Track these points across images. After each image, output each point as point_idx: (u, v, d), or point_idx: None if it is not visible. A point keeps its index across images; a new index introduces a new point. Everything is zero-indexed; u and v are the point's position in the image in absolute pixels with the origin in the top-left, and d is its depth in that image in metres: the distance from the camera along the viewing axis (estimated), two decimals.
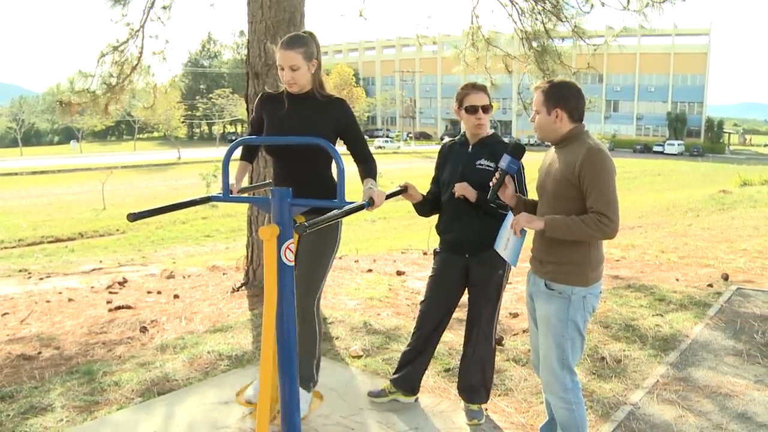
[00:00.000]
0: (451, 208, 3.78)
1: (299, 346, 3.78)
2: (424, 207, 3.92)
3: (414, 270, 8.35)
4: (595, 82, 76.34)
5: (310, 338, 3.74)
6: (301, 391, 3.73)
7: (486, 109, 3.67)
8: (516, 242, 3.25)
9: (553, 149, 3.19)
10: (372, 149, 3.70)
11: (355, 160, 3.61)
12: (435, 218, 4.06)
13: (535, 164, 3.41)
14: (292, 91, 3.48)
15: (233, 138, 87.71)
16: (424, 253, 9.95)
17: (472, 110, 3.68)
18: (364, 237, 18.07)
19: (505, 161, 3.27)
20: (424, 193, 3.90)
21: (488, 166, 3.63)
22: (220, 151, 62.28)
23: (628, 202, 21.95)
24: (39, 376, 4.65)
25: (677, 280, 7.39)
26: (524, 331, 5.47)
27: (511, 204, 3.38)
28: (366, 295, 6.77)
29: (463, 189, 3.62)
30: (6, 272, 13.52)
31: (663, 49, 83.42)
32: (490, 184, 3.34)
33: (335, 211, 2.68)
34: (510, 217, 3.28)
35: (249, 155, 3.84)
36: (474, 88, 3.70)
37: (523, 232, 3.18)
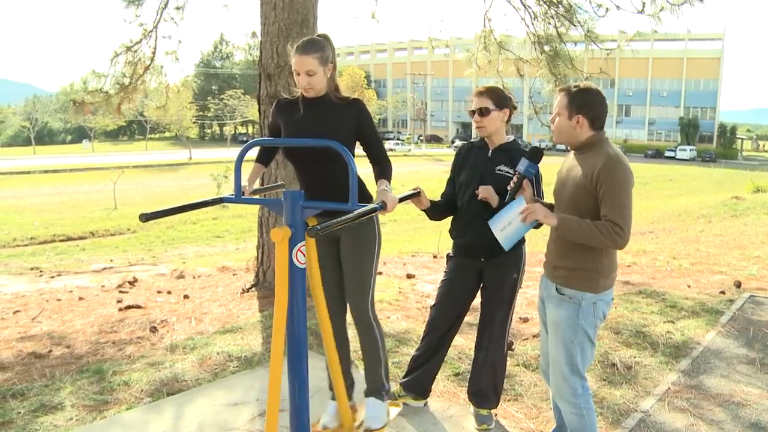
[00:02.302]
0: (467, 211, 3.76)
1: (363, 355, 3.75)
2: (436, 210, 3.90)
3: (424, 273, 8.33)
4: (607, 87, 75.47)
5: (372, 344, 3.68)
6: (376, 402, 3.71)
7: (483, 112, 3.64)
8: (518, 228, 3.25)
9: (572, 155, 3.17)
10: None
11: (370, 161, 3.59)
12: (445, 222, 4.04)
13: (552, 168, 3.40)
14: (308, 95, 3.46)
15: (244, 139, 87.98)
16: (434, 257, 9.93)
17: (471, 113, 3.71)
18: None
19: (522, 165, 3.29)
20: (433, 199, 3.88)
21: (507, 172, 3.61)
22: (231, 152, 62.50)
23: (639, 208, 21.84)
24: (50, 374, 4.67)
25: (689, 286, 7.34)
26: (534, 336, 5.44)
27: None
28: (376, 298, 6.72)
29: (487, 192, 3.59)
30: (18, 270, 13.60)
31: (676, 54, 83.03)
32: (508, 187, 3.35)
33: (347, 215, 2.66)
34: (520, 203, 3.27)
35: (264, 158, 3.82)
36: (477, 93, 3.70)
37: (532, 223, 3.17)
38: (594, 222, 2.90)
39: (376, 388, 3.74)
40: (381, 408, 3.70)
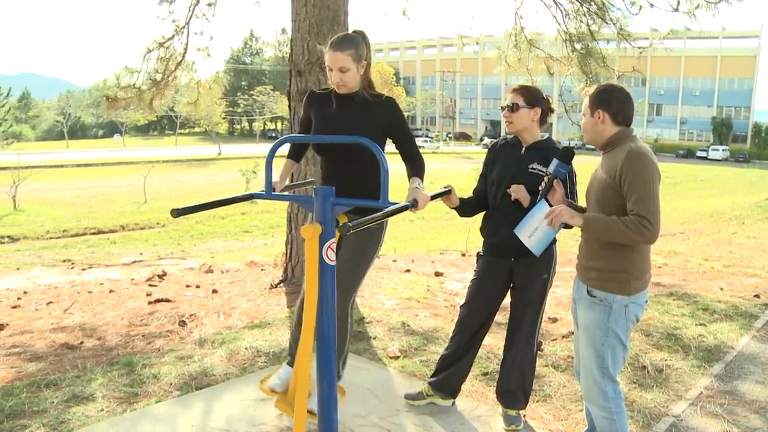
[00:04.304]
0: (499, 210, 3.73)
1: None
2: (466, 207, 3.87)
3: (452, 271, 8.30)
4: (638, 85, 74.75)
5: (341, 335, 3.72)
6: None
7: (513, 108, 3.64)
8: (546, 233, 3.22)
9: (601, 155, 3.15)
10: None
11: (403, 159, 3.58)
12: (473, 220, 4.01)
13: (586, 168, 3.37)
14: (340, 92, 3.46)
15: (273, 135, 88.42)
16: (463, 255, 9.89)
17: (502, 109, 3.71)
18: (402, 236, 18.04)
19: (553, 165, 3.29)
20: (462, 197, 3.85)
21: (540, 170, 3.57)
22: (260, 148, 62.93)
23: (670, 208, 21.55)
24: (81, 365, 4.72)
25: (721, 289, 7.21)
26: (564, 337, 5.39)
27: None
28: (404, 295, 6.74)
29: (519, 192, 3.57)
30: (51, 262, 13.85)
31: (710, 52, 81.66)
32: (540, 188, 3.33)
33: (378, 212, 2.65)
34: (544, 206, 3.24)
35: (296, 154, 3.82)
36: (511, 89, 3.72)
37: (559, 226, 3.14)
38: (621, 218, 2.86)
39: None
40: None
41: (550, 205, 3.25)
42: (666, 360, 4.93)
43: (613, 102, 3.01)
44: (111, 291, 7.54)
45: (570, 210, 3.05)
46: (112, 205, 29.35)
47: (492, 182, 3.80)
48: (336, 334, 3.68)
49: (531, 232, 3.33)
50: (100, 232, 22.73)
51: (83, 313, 6.42)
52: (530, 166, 3.63)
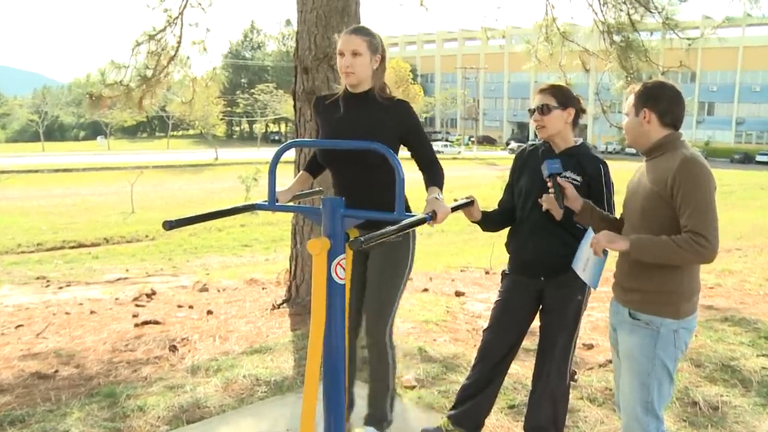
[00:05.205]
0: (527, 223, 3.74)
1: (370, 379, 3.79)
2: (489, 221, 3.88)
3: (475, 291, 8.30)
4: (687, 82, 73.74)
5: (383, 370, 3.73)
6: None
7: (544, 110, 3.63)
8: (597, 263, 3.22)
9: (644, 163, 3.15)
10: None
11: (420, 168, 3.61)
12: (498, 234, 4.02)
13: (623, 175, 3.37)
14: (349, 82, 3.48)
15: (276, 138, 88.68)
16: (487, 272, 9.88)
17: (531, 112, 3.71)
18: (419, 252, 17.96)
19: (545, 169, 3.42)
20: (486, 209, 3.86)
21: (574, 180, 3.59)
22: (262, 153, 63.16)
23: (724, 221, 21.24)
24: (55, 397, 4.73)
25: None
26: (601, 366, 5.37)
27: (578, 207, 3.40)
28: (421, 317, 6.75)
29: (550, 202, 3.55)
30: (22, 279, 13.90)
31: None
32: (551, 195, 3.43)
33: (393, 226, 2.65)
34: (590, 235, 3.25)
35: (312, 168, 3.86)
36: (540, 89, 3.74)
37: (605, 253, 3.14)
38: (672, 237, 2.85)
39: (378, 418, 3.78)
40: None
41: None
42: (722, 396, 4.86)
43: (662, 100, 3.01)
44: (92, 312, 7.57)
45: (609, 234, 3.04)
46: (94, 215, 29.49)
47: (520, 192, 3.81)
48: (378, 369, 3.71)
49: (584, 265, 3.35)
50: (81, 245, 22.81)
51: (59, 337, 6.44)
52: (563, 174, 3.63)
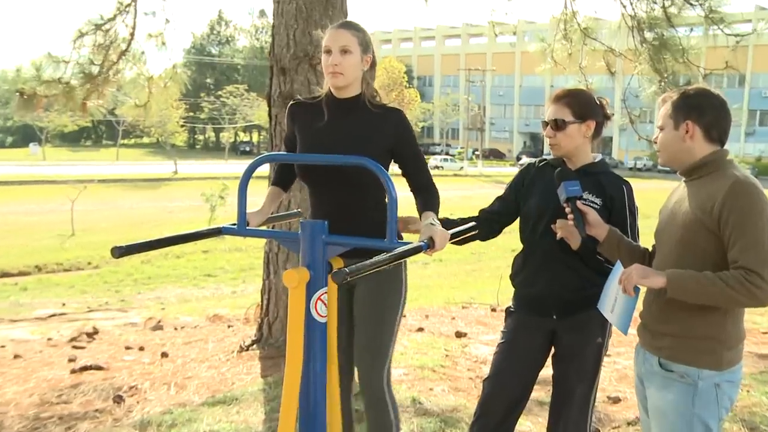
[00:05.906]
0: (538, 251, 3.71)
1: None
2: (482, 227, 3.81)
3: (478, 332, 8.30)
4: (734, 86, 72.49)
5: (384, 427, 3.68)
6: None
7: (559, 125, 3.59)
8: (627, 302, 3.16)
9: (682, 185, 3.12)
10: None
11: (411, 188, 3.58)
12: (507, 265, 4.00)
13: (649, 195, 3.36)
14: (336, 84, 3.45)
15: (247, 149, 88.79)
16: (493, 310, 9.87)
17: (544, 125, 3.67)
18: (414, 284, 17.98)
19: (562, 192, 3.38)
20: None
21: (593, 203, 3.56)
22: (230, 166, 63.15)
23: None
24: None
25: None
26: (629, 424, 5.35)
27: (602, 235, 3.36)
28: (415, 362, 6.73)
29: (565, 228, 3.50)
30: None
31: None
32: (570, 222, 3.39)
33: (384, 255, 2.62)
34: (618, 269, 3.19)
35: (282, 180, 3.81)
36: (554, 97, 3.68)
37: (636, 290, 3.08)
38: (719, 274, 2.77)
39: None
40: None
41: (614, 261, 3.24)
42: None
43: (707, 111, 2.97)
44: (16, 356, 7.44)
45: (641, 269, 2.95)
46: (23, 238, 29.28)
47: (528, 216, 3.78)
48: (378, 427, 3.67)
49: (612, 306, 3.25)
50: (5, 275, 22.60)
51: None
52: (582, 196, 3.60)
